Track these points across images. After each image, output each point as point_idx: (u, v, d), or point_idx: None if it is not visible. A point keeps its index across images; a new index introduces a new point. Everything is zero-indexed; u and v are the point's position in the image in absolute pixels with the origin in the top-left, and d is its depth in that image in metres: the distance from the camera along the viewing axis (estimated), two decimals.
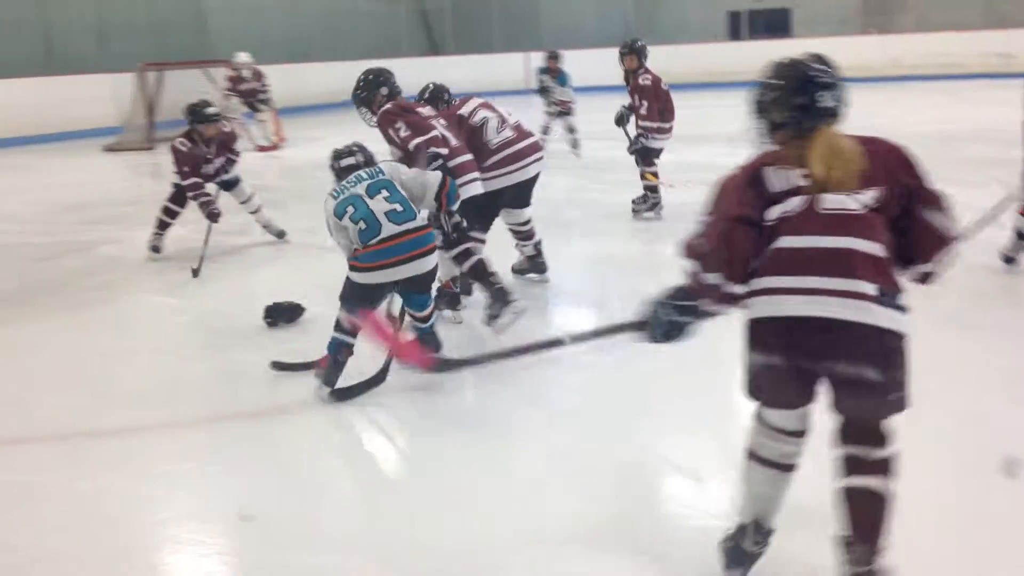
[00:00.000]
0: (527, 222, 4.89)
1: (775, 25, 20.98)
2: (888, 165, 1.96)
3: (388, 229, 3.50)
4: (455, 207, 3.90)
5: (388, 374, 3.61)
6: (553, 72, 9.64)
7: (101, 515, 2.76)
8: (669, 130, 6.54)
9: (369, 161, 3.80)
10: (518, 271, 5.13)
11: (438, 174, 3.84)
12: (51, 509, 2.80)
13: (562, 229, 6.34)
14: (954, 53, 16.50)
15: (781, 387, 2.01)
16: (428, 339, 3.76)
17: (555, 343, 2.51)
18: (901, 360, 1.90)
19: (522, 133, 4.67)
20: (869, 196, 1.92)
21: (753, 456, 2.13)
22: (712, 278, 2.00)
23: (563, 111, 9.55)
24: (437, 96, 4.76)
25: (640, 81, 6.47)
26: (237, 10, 17.35)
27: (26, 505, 2.84)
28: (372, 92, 4.31)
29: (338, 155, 3.79)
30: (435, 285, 3.88)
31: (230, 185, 6.28)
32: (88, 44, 15.22)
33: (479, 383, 3.70)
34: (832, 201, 1.92)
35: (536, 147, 4.70)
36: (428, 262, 3.61)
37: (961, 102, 13.55)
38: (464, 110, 4.66)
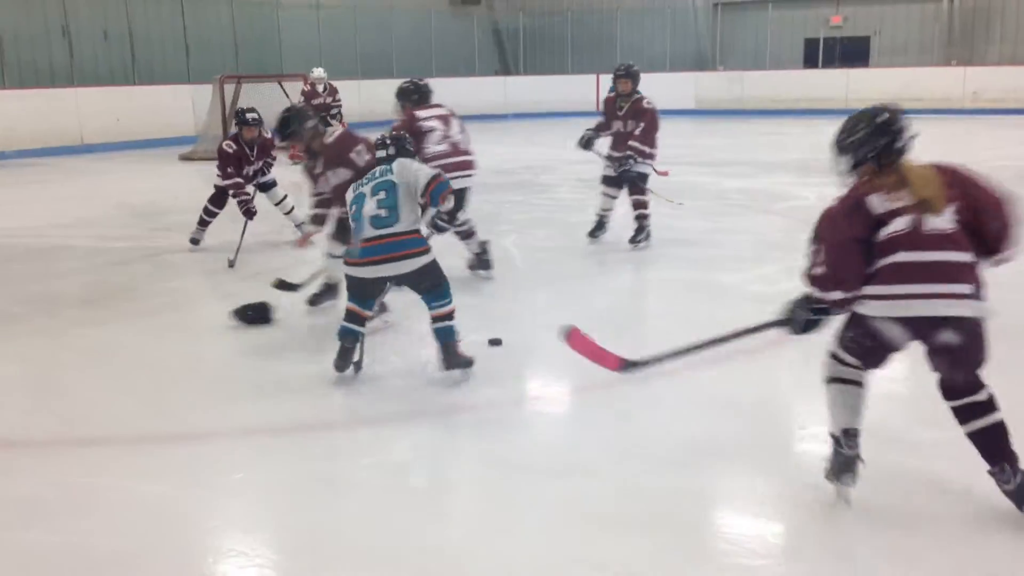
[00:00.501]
0: (463, 223, 5.47)
1: (854, 54, 20.60)
2: (955, 182, 2.54)
3: (368, 232, 3.78)
4: (441, 205, 3.89)
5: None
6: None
7: (159, 520, 2.80)
8: (655, 156, 6.42)
9: (400, 153, 3.99)
10: (470, 268, 5.65)
11: (432, 171, 3.94)
12: (112, 512, 2.86)
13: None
14: None
15: (878, 359, 2.68)
16: (443, 336, 3.86)
17: (720, 340, 2.97)
18: (983, 332, 2.52)
19: (457, 151, 5.23)
20: (951, 211, 2.49)
21: (838, 380, 2.73)
22: (835, 296, 2.61)
23: None
24: (401, 94, 5.46)
25: (644, 104, 6.39)
26: (314, 26, 17.76)
27: (89, 507, 2.90)
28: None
29: (373, 147, 4.12)
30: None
31: (266, 187, 6.87)
32: (171, 56, 15.71)
33: (526, 407, 3.68)
34: (933, 222, 2.48)
35: (466, 165, 5.28)
36: (405, 265, 3.79)
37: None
38: (421, 114, 5.29)
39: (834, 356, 2.74)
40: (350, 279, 3.88)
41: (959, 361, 2.55)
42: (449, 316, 3.87)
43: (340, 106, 12.14)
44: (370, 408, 3.70)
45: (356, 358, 3.91)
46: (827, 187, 7.98)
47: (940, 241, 2.47)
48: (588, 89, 19.39)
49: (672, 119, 9.85)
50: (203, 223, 6.81)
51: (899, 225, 2.48)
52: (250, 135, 6.49)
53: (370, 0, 19.01)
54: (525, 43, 22.34)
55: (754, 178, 9.98)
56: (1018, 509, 2.60)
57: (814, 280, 2.63)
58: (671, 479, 3.00)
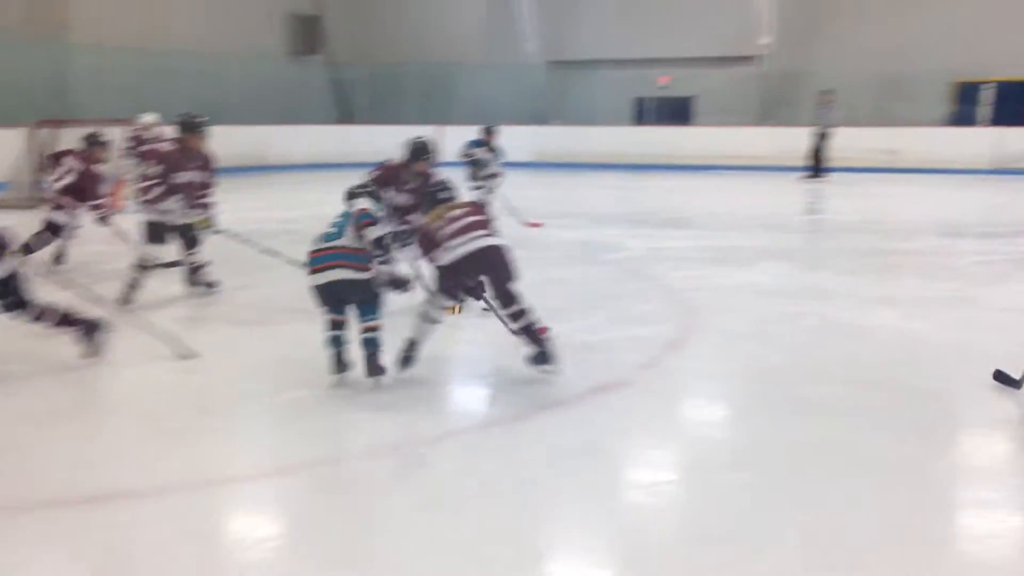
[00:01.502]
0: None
1: (678, 112, 21.84)
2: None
3: (315, 244, 4.46)
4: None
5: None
6: (490, 146, 9.73)
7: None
8: None
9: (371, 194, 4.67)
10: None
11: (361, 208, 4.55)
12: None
13: None
14: (843, 148, 17.41)
15: None
16: (369, 345, 4.41)
17: None
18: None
19: None
20: None
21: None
22: None
23: (491, 186, 9.51)
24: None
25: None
26: (139, 71, 17.03)
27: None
28: None
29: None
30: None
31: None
32: None
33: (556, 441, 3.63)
34: None
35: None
36: (326, 276, 4.36)
37: (848, 195, 14.23)
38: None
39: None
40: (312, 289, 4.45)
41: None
42: (375, 329, 4.42)
43: None
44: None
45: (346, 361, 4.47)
46: (654, 239, 8.36)
47: None
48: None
49: (511, 172, 10.10)
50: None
51: None
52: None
53: (203, 47, 18.50)
54: (366, 93, 22.31)
55: (586, 229, 10.30)
56: None
57: None
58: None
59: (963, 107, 19.21)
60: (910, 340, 5.50)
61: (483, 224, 4.71)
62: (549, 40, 22.56)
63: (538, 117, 21.34)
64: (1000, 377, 4.46)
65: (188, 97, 17.50)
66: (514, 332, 4.60)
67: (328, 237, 4.45)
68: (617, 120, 21.74)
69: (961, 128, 18.67)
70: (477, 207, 5.07)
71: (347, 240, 4.41)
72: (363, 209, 4.49)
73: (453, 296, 4.71)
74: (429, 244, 4.66)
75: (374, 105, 22.11)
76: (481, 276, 4.58)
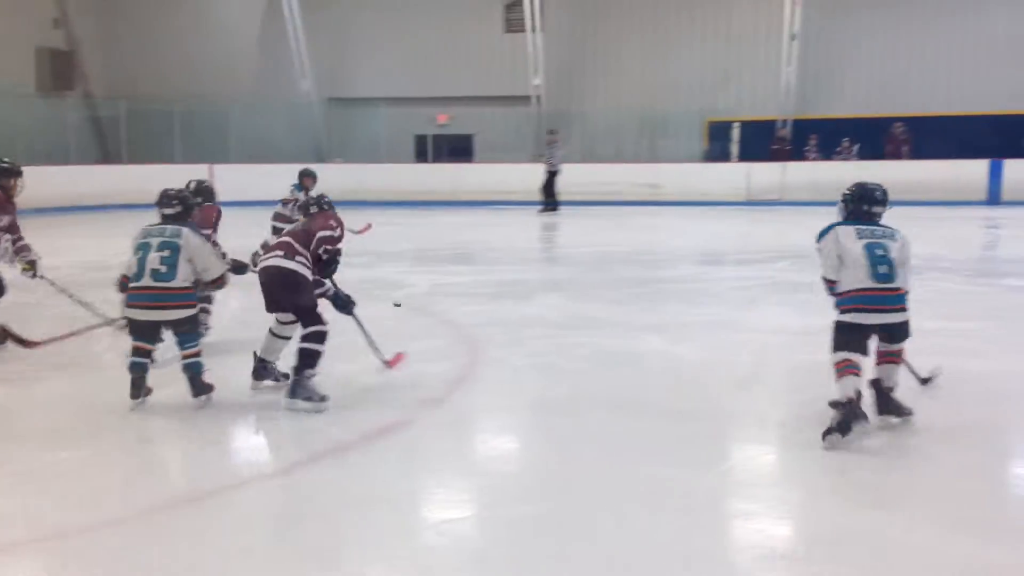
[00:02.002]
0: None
1: (460, 150, 22.34)
2: None
3: (144, 280, 4.61)
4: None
5: None
6: (308, 190, 9.47)
7: None
8: None
9: (187, 212, 4.94)
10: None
11: (221, 263, 4.98)
12: None
13: None
14: (610, 182, 18.54)
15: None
16: (192, 369, 4.70)
17: None
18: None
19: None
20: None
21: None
22: None
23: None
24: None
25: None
26: None
27: None
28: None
29: (163, 202, 4.91)
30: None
31: None
32: None
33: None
34: None
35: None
36: (172, 313, 4.65)
37: (616, 227, 15.04)
38: None
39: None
40: (129, 320, 4.71)
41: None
42: (197, 355, 4.71)
43: None
44: None
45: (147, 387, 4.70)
46: (438, 275, 8.43)
47: None
48: (199, 177, 18.74)
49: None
50: None
51: None
52: None
53: None
54: (129, 131, 21.06)
55: (370, 268, 10.22)
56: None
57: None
58: None
59: (716, 144, 20.97)
60: (674, 364, 5.87)
61: (279, 245, 4.91)
62: (327, 77, 22.40)
63: (318, 154, 21.07)
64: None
65: None
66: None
67: (156, 276, 4.60)
68: (399, 157, 21.89)
69: (716, 164, 20.35)
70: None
71: (178, 281, 4.63)
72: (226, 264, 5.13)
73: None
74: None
75: (139, 144, 20.92)
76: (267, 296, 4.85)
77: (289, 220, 8.78)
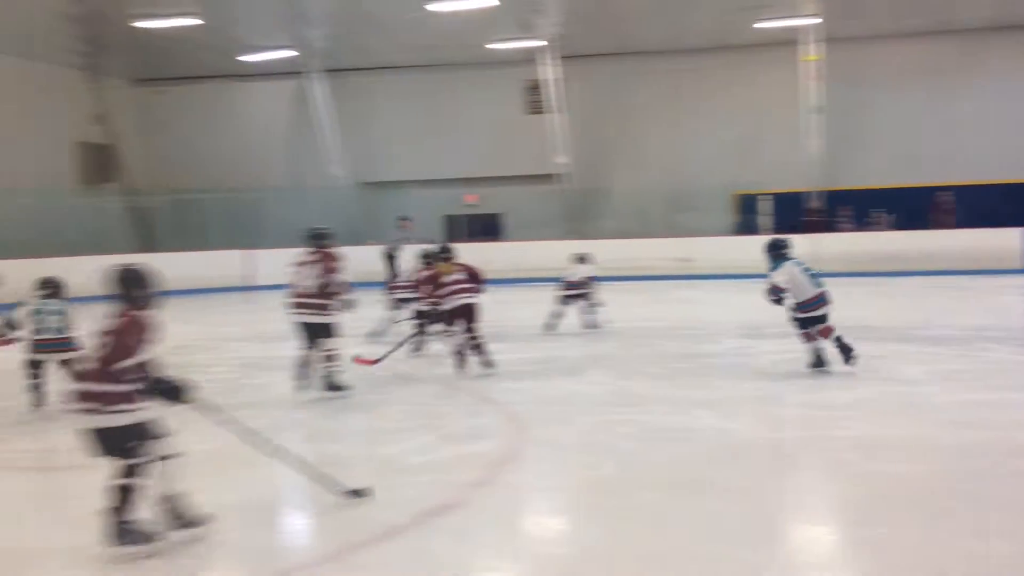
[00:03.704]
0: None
1: (489, 229, 22.54)
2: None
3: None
4: None
5: None
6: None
7: None
8: None
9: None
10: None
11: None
12: None
13: None
14: (638, 257, 18.55)
15: None
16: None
17: None
18: None
19: (297, 292, 7.12)
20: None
21: None
22: None
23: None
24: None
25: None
26: None
27: None
28: None
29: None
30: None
31: None
32: None
33: None
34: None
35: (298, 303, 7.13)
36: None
37: (651, 301, 14.99)
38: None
39: None
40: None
41: None
42: None
43: None
44: None
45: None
46: (493, 354, 8.13)
47: None
48: (232, 264, 19.10)
49: None
50: None
51: None
52: None
53: None
54: (167, 221, 21.51)
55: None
56: None
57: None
58: None
59: (745, 216, 20.98)
60: (726, 440, 5.74)
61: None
62: (357, 162, 22.85)
63: (353, 237, 21.33)
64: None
65: None
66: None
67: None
68: (432, 237, 22.08)
69: (747, 236, 20.28)
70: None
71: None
72: None
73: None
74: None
75: (177, 232, 21.33)
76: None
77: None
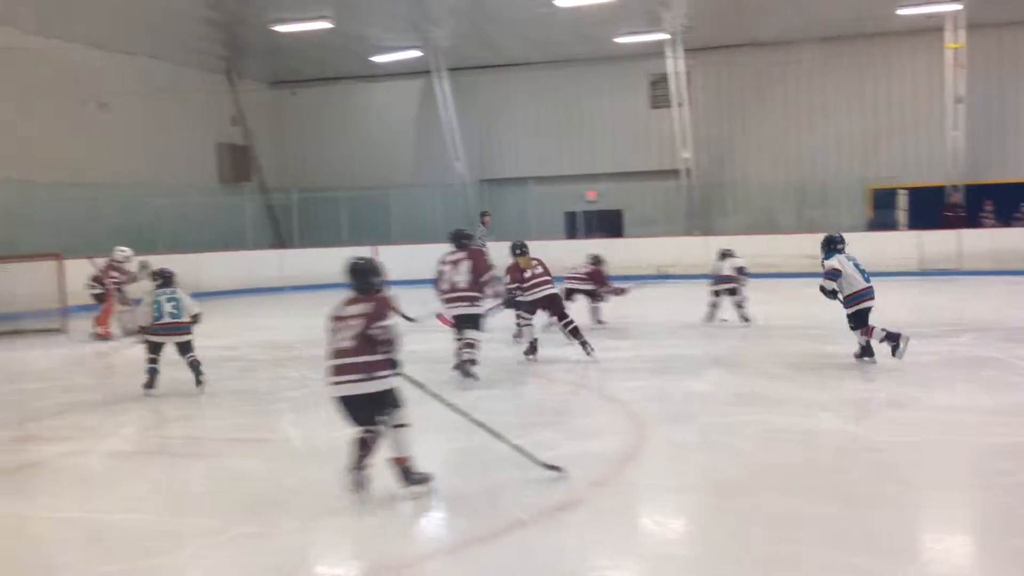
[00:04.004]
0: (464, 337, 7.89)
1: (609, 225, 22.44)
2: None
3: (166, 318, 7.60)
4: None
5: None
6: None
7: None
8: None
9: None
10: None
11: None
12: None
13: None
14: (766, 254, 18.06)
15: None
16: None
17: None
18: None
19: (454, 288, 7.85)
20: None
21: None
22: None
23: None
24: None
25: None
26: (67, 204, 16.83)
27: None
28: None
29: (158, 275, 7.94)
30: None
31: None
32: None
33: None
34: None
35: (454, 297, 7.87)
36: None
37: (776, 300, 14.59)
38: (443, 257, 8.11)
39: None
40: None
41: None
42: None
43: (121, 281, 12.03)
44: None
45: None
46: (596, 349, 8.28)
47: None
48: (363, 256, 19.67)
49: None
50: None
51: None
52: None
53: (130, 177, 18.48)
54: (299, 217, 22.44)
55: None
56: None
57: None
58: None
59: (880, 212, 20.14)
60: (852, 444, 5.57)
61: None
62: (478, 159, 23.18)
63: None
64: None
65: (119, 228, 17.47)
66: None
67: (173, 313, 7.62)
68: (550, 234, 22.19)
69: (882, 232, 19.47)
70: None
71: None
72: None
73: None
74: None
75: (308, 229, 22.22)
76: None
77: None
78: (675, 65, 20.42)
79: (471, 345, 7.77)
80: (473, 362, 7.73)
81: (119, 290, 11.98)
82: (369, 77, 23.55)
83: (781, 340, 10.01)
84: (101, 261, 12.19)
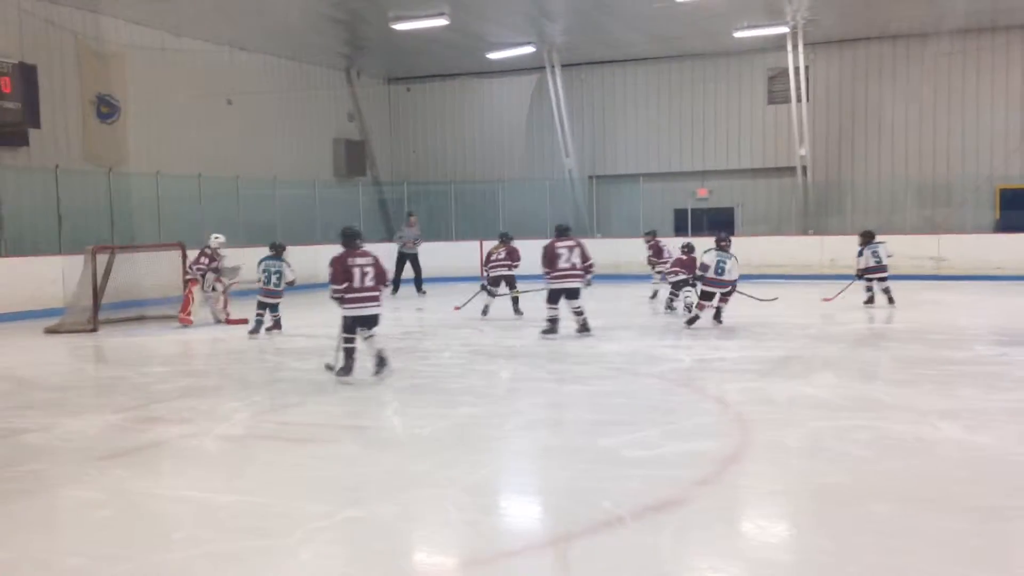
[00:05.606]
0: (579, 310, 10.55)
1: (720, 223, 21.94)
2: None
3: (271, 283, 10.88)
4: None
5: None
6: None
7: None
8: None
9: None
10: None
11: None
12: None
13: None
14: (888, 255, 17.31)
15: None
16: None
17: None
18: None
19: (574, 268, 10.52)
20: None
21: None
22: None
23: None
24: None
25: None
26: (195, 196, 17.67)
27: None
28: None
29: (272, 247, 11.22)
30: None
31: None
32: (42, 226, 15.18)
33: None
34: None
35: (572, 276, 10.53)
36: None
37: (898, 302, 14.03)
38: (558, 243, 10.61)
39: None
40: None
41: None
42: None
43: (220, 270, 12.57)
44: None
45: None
46: (702, 350, 8.26)
47: None
48: (472, 254, 19.94)
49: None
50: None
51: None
52: None
53: (252, 171, 19.27)
54: (410, 211, 22.90)
55: (631, 341, 10.27)
56: None
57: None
58: None
59: (1009, 213, 19.08)
60: (973, 455, 5.31)
61: None
62: (589, 156, 23.11)
63: (581, 230, 21.65)
64: None
65: (243, 220, 18.26)
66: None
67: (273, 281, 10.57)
68: (659, 231, 21.92)
69: (1011, 234, 18.43)
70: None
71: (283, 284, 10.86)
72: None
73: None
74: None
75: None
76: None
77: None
78: (795, 59, 19.84)
79: (581, 312, 10.45)
80: (586, 321, 10.42)
81: (204, 276, 12.26)
82: (482, 73, 23.79)
83: (900, 344, 9.64)
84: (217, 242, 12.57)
